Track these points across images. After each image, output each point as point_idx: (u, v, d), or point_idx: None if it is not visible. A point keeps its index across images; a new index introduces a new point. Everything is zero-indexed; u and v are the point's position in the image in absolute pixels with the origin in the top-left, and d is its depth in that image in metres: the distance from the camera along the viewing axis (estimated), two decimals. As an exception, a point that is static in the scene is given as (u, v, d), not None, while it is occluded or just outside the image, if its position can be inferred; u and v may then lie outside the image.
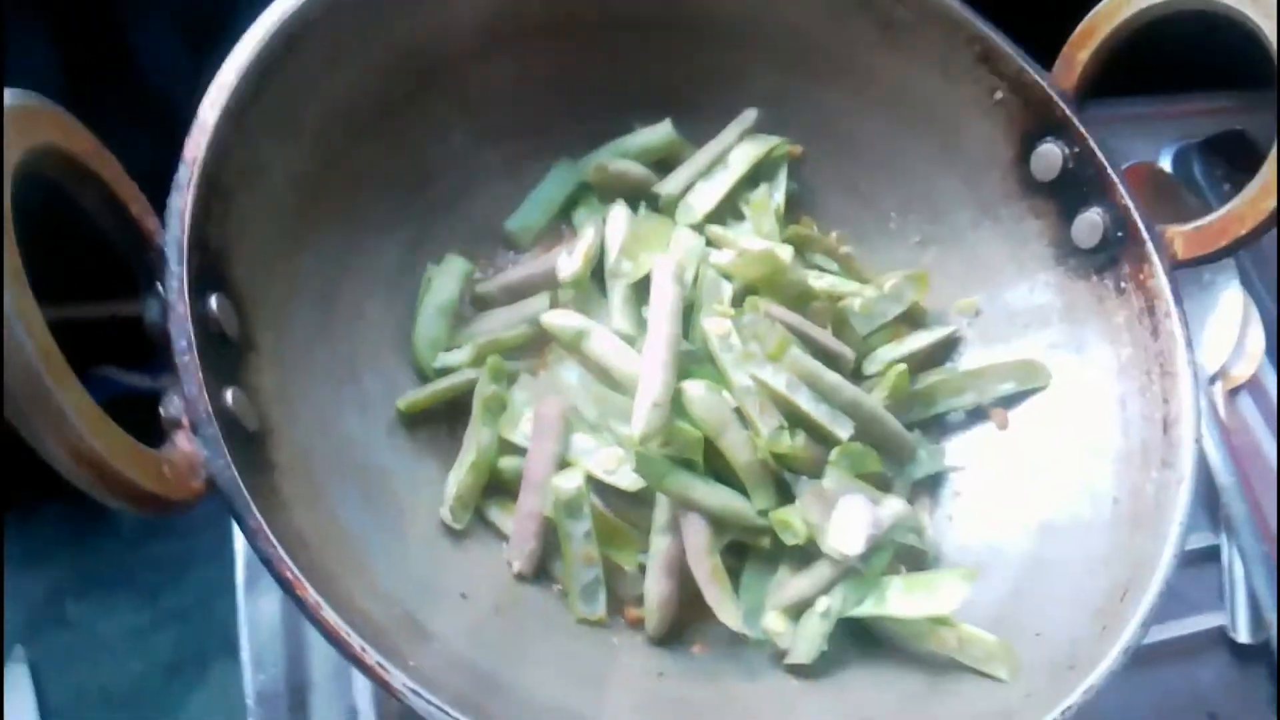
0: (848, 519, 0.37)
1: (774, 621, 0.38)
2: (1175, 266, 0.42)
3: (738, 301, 0.42)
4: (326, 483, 0.35)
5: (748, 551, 0.40)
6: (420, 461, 0.40)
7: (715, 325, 0.40)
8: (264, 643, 0.42)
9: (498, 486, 0.40)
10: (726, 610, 0.38)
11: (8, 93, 0.27)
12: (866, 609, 0.38)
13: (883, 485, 0.41)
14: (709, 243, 0.45)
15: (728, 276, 0.43)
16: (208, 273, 0.32)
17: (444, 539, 0.39)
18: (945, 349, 0.46)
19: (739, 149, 0.47)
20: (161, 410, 0.31)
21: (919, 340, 0.45)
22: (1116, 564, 0.38)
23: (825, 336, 0.42)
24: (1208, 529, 0.52)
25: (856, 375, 0.44)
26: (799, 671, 0.38)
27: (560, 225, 0.47)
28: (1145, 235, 0.42)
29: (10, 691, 0.61)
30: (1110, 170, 0.43)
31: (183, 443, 0.30)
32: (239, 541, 0.43)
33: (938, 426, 0.45)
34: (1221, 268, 0.57)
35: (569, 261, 0.43)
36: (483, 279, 0.45)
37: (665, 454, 0.38)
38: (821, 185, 0.48)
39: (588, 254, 0.43)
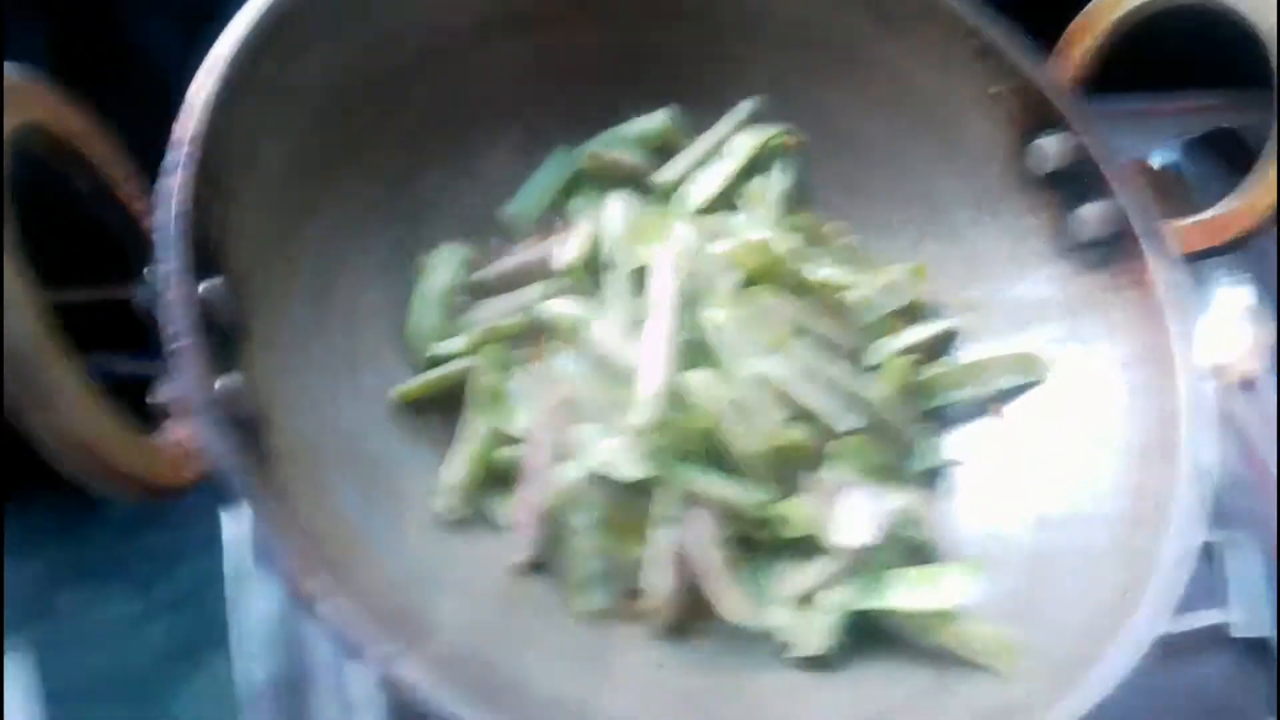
0: (852, 511, 0.37)
1: (778, 614, 0.38)
2: (1179, 260, 0.42)
3: (737, 292, 0.41)
4: (324, 472, 0.35)
5: (751, 544, 0.40)
6: (418, 452, 0.40)
7: (716, 316, 0.40)
8: (259, 634, 0.42)
9: (497, 477, 0.40)
10: (730, 602, 0.37)
11: (-1, 70, 0.26)
12: (871, 602, 0.37)
13: (886, 478, 0.41)
14: (708, 232, 0.44)
15: (728, 267, 0.42)
16: (201, 257, 0.32)
17: (443, 530, 0.38)
18: (944, 343, 0.46)
19: (738, 138, 0.46)
20: (153, 397, 0.31)
21: (919, 333, 0.45)
22: (1123, 558, 0.38)
23: (826, 327, 0.42)
24: (1209, 524, 0.52)
25: (857, 367, 0.43)
26: (804, 665, 0.38)
27: (557, 213, 0.46)
28: (1147, 229, 0.42)
29: (5, 680, 0.61)
30: (1110, 163, 0.43)
31: (177, 430, 0.29)
32: (233, 532, 0.43)
33: (937, 420, 0.45)
34: (1225, 262, 0.57)
35: (566, 250, 0.43)
36: (479, 267, 0.44)
37: (667, 445, 0.38)
38: (820, 179, 0.48)
39: (585, 242, 0.43)
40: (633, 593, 0.39)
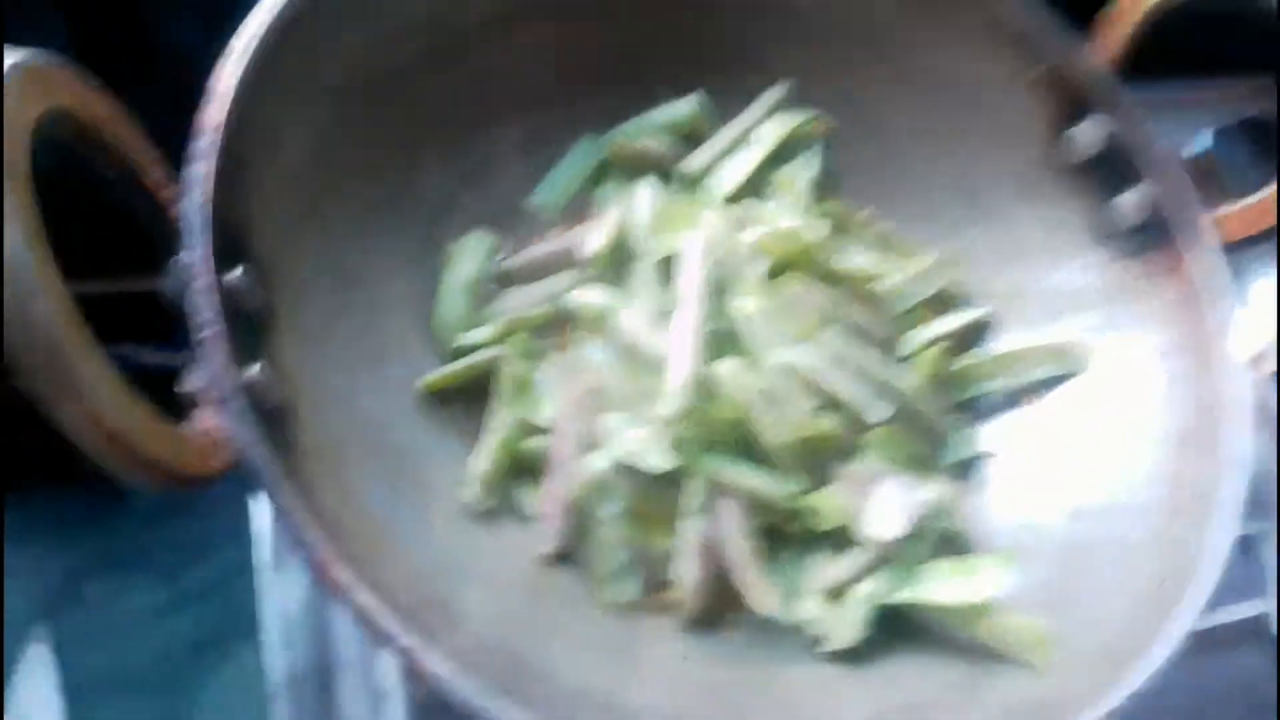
0: (885, 503, 0.37)
1: (809, 607, 0.37)
2: (1221, 248, 0.41)
3: (768, 280, 0.41)
4: (351, 462, 0.34)
5: (781, 535, 0.39)
6: (445, 442, 0.39)
7: (744, 305, 0.39)
8: (287, 625, 0.42)
9: (524, 468, 0.39)
10: (761, 594, 0.37)
11: (21, 52, 0.26)
12: (905, 595, 0.37)
13: (918, 469, 0.40)
14: (738, 220, 0.44)
15: (758, 254, 0.42)
16: (228, 244, 0.31)
17: (470, 521, 0.38)
18: (978, 332, 0.45)
19: (766, 125, 0.46)
20: (182, 386, 0.31)
21: (953, 321, 0.44)
22: (1162, 549, 0.37)
23: (859, 316, 0.41)
24: (1247, 515, 0.51)
25: (889, 356, 0.42)
26: (836, 658, 0.37)
27: (585, 202, 0.45)
28: (1189, 216, 0.41)
29: (31, 672, 0.61)
30: (1152, 149, 0.42)
31: (205, 419, 0.29)
32: (261, 522, 0.43)
33: (970, 411, 0.44)
34: (1262, 251, 0.56)
35: (594, 239, 0.42)
36: (505, 256, 0.44)
37: (696, 435, 0.37)
38: (850, 166, 0.47)
39: (613, 231, 0.42)
40: (661, 584, 0.39)
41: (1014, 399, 0.44)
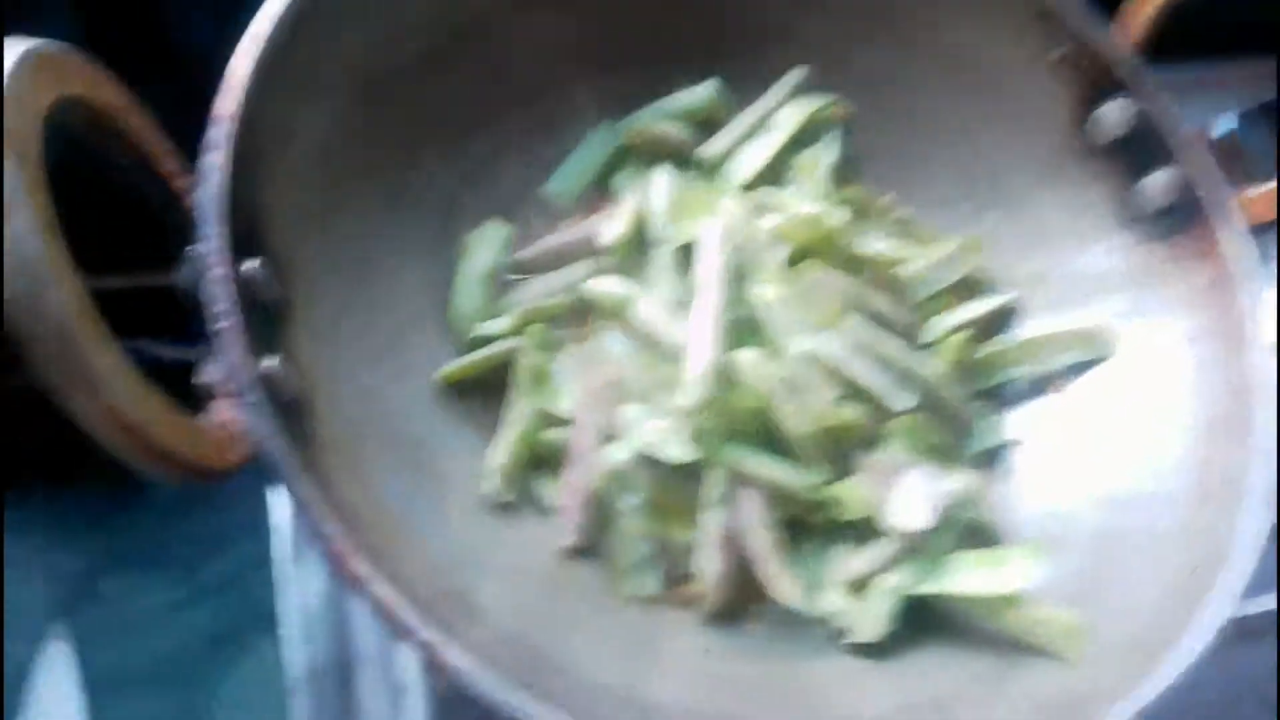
0: (910, 493, 0.36)
1: (834, 599, 0.37)
2: (1245, 231, 0.40)
3: (788, 267, 0.40)
4: (368, 455, 0.34)
5: (804, 527, 0.39)
6: (463, 434, 0.39)
7: (766, 292, 0.39)
8: (306, 619, 0.41)
9: (543, 459, 0.39)
10: (784, 587, 0.36)
11: (35, 42, 0.25)
12: (931, 586, 0.36)
13: (944, 458, 0.40)
14: (756, 207, 0.43)
15: (777, 241, 0.41)
16: (243, 235, 0.31)
17: (489, 513, 0.37)
18: (1003, 318, 0.44)
19: (786, 110, 0.45)
20: (198, 378, 0.30)
21: (976, 308, 0.43)
22: (1193, 538, 0.36)
23: (881, 303, 0.41)
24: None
25: (912, 344, 0.42)
26: (860, 651, 0.37)
27: (601, 190, 0.45)
28: (1217, 198, 0.40)
29: (48, 668, 0.61)
30: (1179, 130, 0.41)
31: (222, 411, 0.29)
32: (279, 515, 0.43)
33: (995, 398, 0.43)
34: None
35: (611, 227, 0.42)
36: (522, 245, 0.43)
37: (717, 425, 0.37)
38: (872, 149, 0.46)
39: (630, 219, 0.42)
40: (682, 577, 0.38)
41: (1040, 386, 0.43)
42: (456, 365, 0.39)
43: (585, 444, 0.38)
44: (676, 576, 0.38)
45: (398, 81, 0.39)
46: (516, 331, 0.40)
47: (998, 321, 0.44)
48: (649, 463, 0.37)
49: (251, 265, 0.31)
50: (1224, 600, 0.34)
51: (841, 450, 0.38)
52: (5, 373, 0.25)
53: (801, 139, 0.45)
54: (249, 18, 0.33)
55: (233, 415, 0.28)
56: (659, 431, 0.38)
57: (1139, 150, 0.42)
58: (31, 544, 0.67)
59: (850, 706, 0.35)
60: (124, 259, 0.41)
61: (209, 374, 0.29)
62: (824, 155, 0.45)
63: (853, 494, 0.37)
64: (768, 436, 0.38)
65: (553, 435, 0.39)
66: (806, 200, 0.43)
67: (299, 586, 0.42)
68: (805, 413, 0.37)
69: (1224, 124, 0.62)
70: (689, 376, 0.37)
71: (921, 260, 0.43)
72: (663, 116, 0.45)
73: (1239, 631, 0.46)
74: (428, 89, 0.40)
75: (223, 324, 0.28)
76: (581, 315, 0.41)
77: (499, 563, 0.36)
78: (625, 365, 0.39)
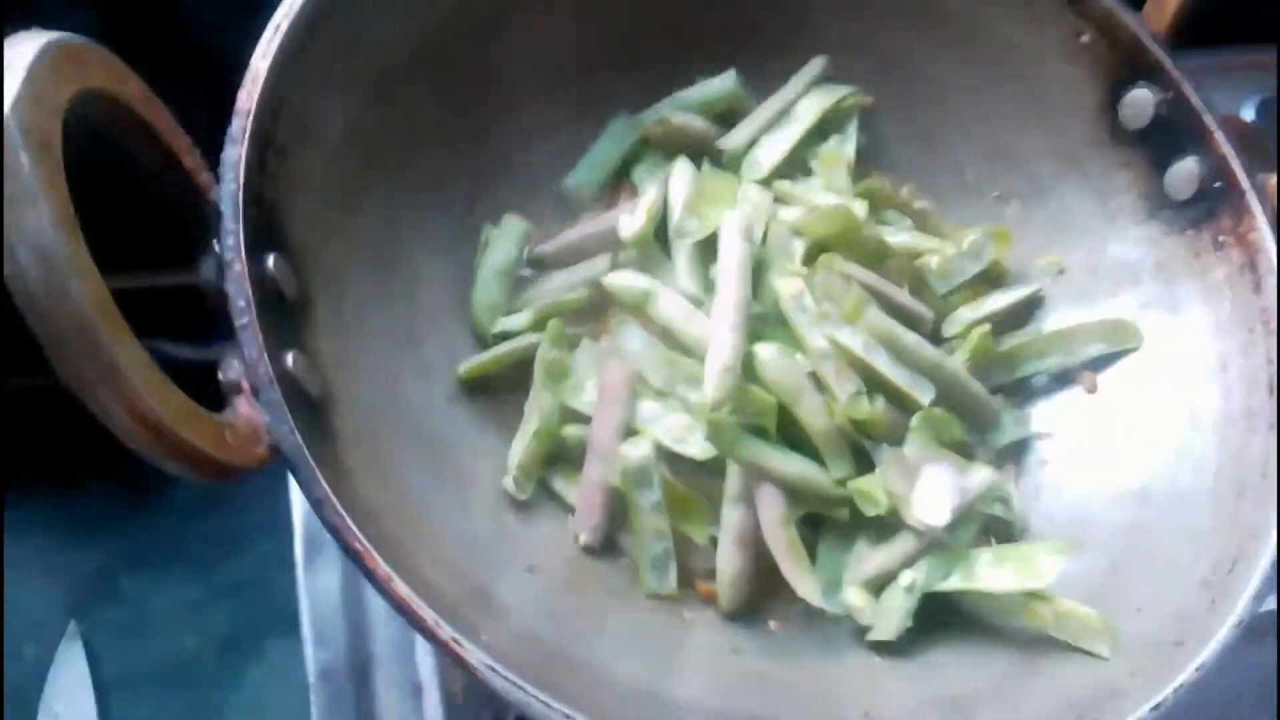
0: (932, 488, 0.36)
1: (855, 596, 0.36)
2: (1274, 220, 0.40)
3: (809, 260, 0.40)
4: (389, 451, 0.34)
5: (824, 523, 0.38)
6: (482, 430, 0.39)
7: (787, 285, 0.38)
8: (324, 618, 0.41)
9: (562, 456, 0.39)
10: (804, 584, 0.36)
11: (56, 34, 0.25)
12: (954, 583, 0.36)
13: (966, 453, 0.39)
14: (777, 199, 0.42)
15: (798, 234, 0.41)
16: (264, 230, 0.31)
17: (509, 510, 0.37)
18: (1028, 309, 0.44)
19: (806, 100, 0.44)
20: (220, 375, 0.30)
21: (1000, 300, 0.43)
22: (1221, 534, 0.36)
23: (903, 296, 0.40)
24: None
25: (935, 337, 0.41)
26: (881, 648, 0.36)
27: (620, 182, 0.45)
28: (1246, 185, 0.40)
29: (65, 667, 0.62)
30: (1206, 116, 0.40)
31: (243, 408, 0.29)
32: (298, 514, 0.43)
33: (1022, 391, 0.43)
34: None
35: (631, 220, 0.41)
36: (541, 240, 0.43)
37: (737, 421, 0.36)
38: (894, 137, 0.46)
39: (650, 212, 0.41)
40: (702, 574, 0.38)
41: (1066, 378, 0.42)
42: (476, 361, 0.39)
43: (605, 439, 0.37)
44: (697, 573, 0.38)
45: (417, 75, 0.38)
46: (536, 327, 0.40)
47: (1024, 313, 0.44)
48: (669, 458, 0.37)
49: (272, 260, 0.31)
50: (1250, 596, 0.33)
51: (864, 445, 0.38)
52: (27, 372, 0.25)
53: (824, 128, 0.44)
54: (267, 13, 0.33)
55: (253, 412, 0.28)
56: (679, 427, 0.37)
57: (1166, 137, 0.41)
58: (50, 543, 0.67)
59: (872, 704, 0.35)
60: (143, 256, 0.40)
61: (230, 371, 0.29)
62: (845, 145, 0.44)
63: (874, 489, 0.36)
64: (788, 432, 0.37)
65: (572, 431, 0.38)
66: (829, 191, 0.42)
67: (316, 587, 0.42)
68: (827, 407, 0.37)
69: (1250, 109, 0.61)
70: (710, 370, 0.36)
71: (946, 251, 0.42)
72: (683, 108, 0.44)
73: (1258, 629, 0.46)
74: (448, 81, 0.40)
75: (243, 320, 0.28)
76: (601, 310, 0.41)
77: (519, 560, 0.36)
78: (645, 360, 0.39)
